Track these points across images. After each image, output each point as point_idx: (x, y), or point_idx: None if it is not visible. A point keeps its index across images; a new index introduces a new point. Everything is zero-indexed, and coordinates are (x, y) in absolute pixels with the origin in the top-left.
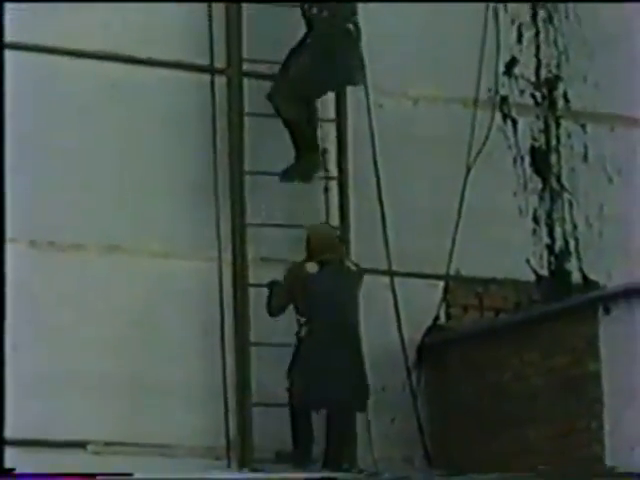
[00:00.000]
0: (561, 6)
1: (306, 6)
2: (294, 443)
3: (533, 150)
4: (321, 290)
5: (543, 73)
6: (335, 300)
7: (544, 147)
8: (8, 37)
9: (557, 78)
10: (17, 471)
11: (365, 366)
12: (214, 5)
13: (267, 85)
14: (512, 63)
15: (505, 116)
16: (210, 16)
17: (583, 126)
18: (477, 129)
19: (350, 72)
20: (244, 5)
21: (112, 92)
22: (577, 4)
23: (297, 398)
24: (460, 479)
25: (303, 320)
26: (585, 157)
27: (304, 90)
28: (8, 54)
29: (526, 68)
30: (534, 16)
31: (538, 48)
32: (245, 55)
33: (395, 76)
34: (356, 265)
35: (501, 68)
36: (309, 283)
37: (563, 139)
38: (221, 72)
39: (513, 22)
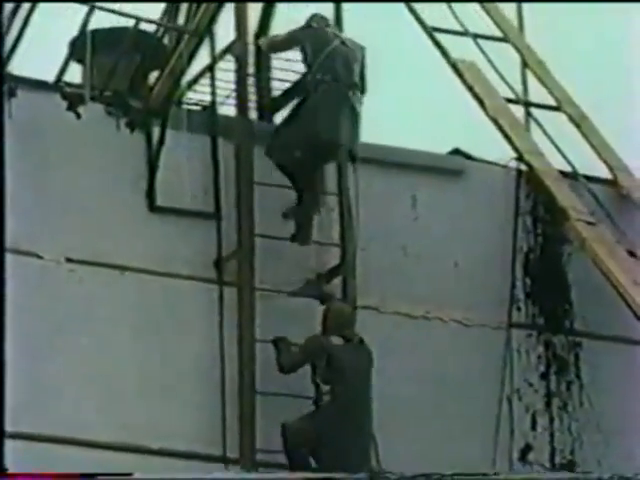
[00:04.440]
0: (575, 394)
1: (309, 76)
2: None
3: None
4: (346, 363)
5: (558, 459)
6: (357, 374)
7: None
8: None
9: (571, 463)
10: None
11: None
12: (228, 403)
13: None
14: (526, 450)
15: None
16: (224, 407)
17: None
18: None
19: (348, 136)
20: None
21: None
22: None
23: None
24: None
25: (326, 389)
26: None
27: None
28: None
29: (540, 454)
30: (548, 404)
31: (552, 435)
32: (258, 445)
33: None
34: None
35: (515, 454)
36: (336, 355)
37: None
38: (234, 462)
39: (527, 410)
